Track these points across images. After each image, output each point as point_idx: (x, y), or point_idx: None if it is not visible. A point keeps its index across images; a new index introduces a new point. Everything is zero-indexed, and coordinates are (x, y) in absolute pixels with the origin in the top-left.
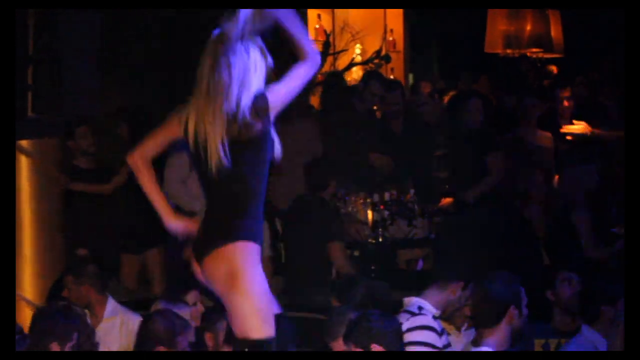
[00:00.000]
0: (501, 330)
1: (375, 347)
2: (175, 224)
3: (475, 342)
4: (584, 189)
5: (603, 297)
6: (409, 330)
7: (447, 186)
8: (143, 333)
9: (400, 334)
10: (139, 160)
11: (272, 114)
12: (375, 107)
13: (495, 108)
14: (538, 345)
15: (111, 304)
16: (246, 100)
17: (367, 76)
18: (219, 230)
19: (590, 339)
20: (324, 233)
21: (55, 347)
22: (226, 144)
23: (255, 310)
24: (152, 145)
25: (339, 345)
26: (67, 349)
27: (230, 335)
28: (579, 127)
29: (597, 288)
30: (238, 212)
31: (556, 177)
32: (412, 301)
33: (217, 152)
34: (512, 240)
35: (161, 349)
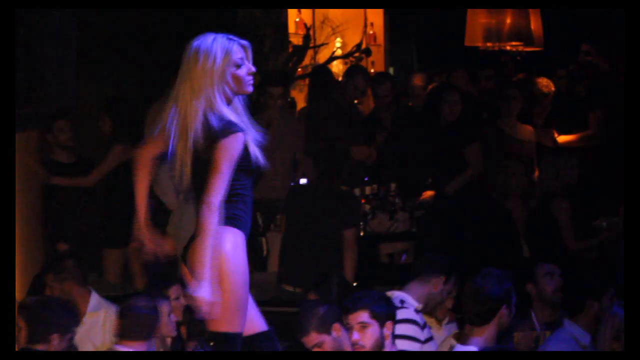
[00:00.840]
0: (490, 329)
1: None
2: (144, 237)
3: (461, 339)
4: (564, 180)
5: (587, 291)
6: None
7: (429, 179)
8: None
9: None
10: (144, 158)
11: None
12: (356, 101)
13: (475, 100)
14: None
15: (95, 299)
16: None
17: (352, 70)
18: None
19: (572, 333)
20: (340, 221)
21: (55, 338)
22: (188, 163)
23: (234, 303)
24: (156, 146)
25: (310, 340)
26: (65, 341)
27: (194, 327)
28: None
29: (581, 281)
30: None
31: (537, 170)
32: (394, 295)
33: (182, 168)
34: (492, 233)
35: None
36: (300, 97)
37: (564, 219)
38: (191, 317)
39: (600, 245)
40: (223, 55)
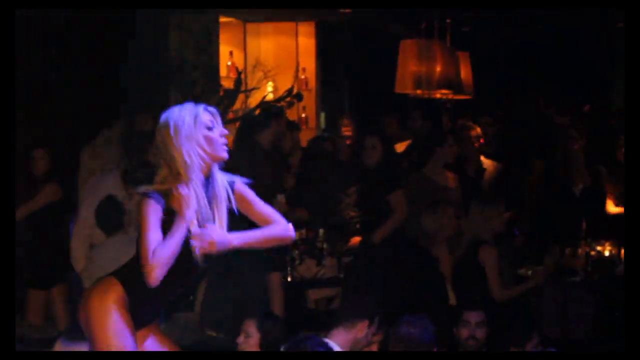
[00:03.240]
0: None
1: None
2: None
3: None
4: (492, 228)
5: (512, 339)
6: None
7: (357, 225)
8: None
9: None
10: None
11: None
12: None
13: (398, 151)
14: None
15: None
16: None
17: (272, 113)
18: None
19: None
20: (266, 265)
21: None
22: None
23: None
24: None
25: None
26: None
27: None
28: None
29: (505, 329)
30: None
31: (462, 216)
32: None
33: None
34: (418, 279)
35: None
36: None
37: (490, 267)
38: None
39: (525, 293)
40: (193, 118)
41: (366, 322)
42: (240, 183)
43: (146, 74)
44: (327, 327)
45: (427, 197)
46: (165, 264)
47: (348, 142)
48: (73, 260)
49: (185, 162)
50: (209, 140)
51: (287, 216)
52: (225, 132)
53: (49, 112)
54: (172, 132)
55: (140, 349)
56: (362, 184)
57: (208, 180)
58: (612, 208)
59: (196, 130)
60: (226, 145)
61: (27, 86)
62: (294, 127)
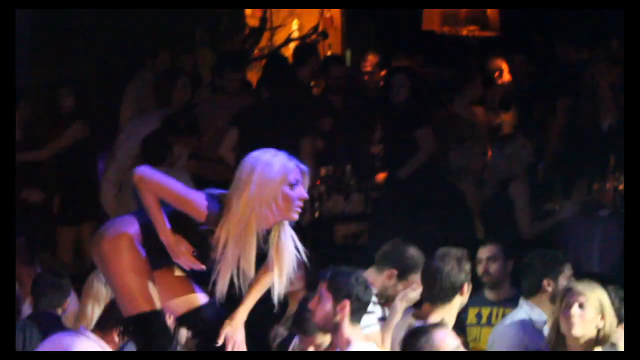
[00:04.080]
0: (450, 308)
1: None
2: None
3: (420, 316)
4: (521, 163)
5: (543, 272)
6: None
7: (380, 162)
8: None
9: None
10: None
11: None
12: (313, 83)
13: (428, 84)
14: (472, 313)
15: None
16: None
17: (305, 52)
18: None
19: (529, 313)
20: None
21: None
22: None
23: (120, 287)
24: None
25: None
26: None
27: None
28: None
29: (536, 262)
30: None
31: (489, 151)
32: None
33: None
34: (446, 215)
35: None
36: (256, 78)
37: (521, 202)
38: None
39: (554, 227)
40: (281, 171)
41: (394, 272)
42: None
43: (171, 12)
44: (356, 262)
45: (455, 133)
46: None
47: (375, 78)
48: (103, 201)
49: (250, 208)
50: (285, 198)
51: (320, 157)
52: (305, 196)
53: (73, 50)
54: (255, 175)
55: (159, 289)
56: (389, 121)
57: (268, 233)
58: None
59: (278, 186)
60: (300, 207)
61: (52, 27)
62: (336, 60)
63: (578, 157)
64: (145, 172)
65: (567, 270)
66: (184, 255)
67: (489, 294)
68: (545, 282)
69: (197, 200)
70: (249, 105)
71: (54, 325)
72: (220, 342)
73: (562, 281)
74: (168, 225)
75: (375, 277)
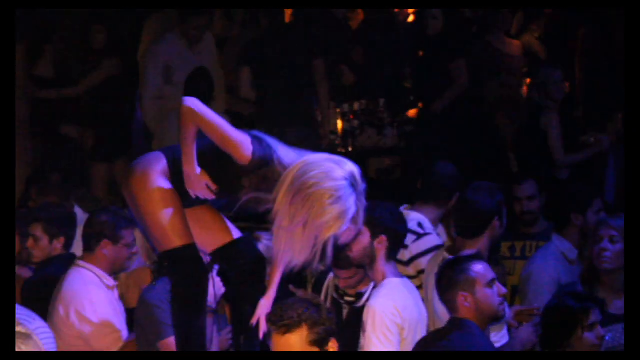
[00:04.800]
0: (483, 241)
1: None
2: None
3: (453, 250)
4: (553, 94)
5: (573, 205)
6: (423, 253)
7: (411, 97)
8: (87, 226)
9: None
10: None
11: None
12: (349, 15)
13: (463, 17)
14: (505, 247)
15: (78, 214)
16: None
17: None
18: None
19: (560, 247)
20: None
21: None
22: None
23: (152, 223)
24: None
25: None
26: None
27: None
28: None
29: (566, 195)
30: None
31: (524, 83)
32: (410, 216)
33: None
34: (480, 146)
35: (106, 242)
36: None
37: (553, 132)
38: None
39: (587, 159)
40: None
41: (452, 202)
42: None
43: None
44: (390, 196)
45: (491, 65)
46: None
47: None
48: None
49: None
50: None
51: (353, 91)
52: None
53: None
54: (311, 188)
55: (192, 226)
56: (423, 53)
57: None
58: None
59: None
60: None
61: None
62: None
63: (613, 90)
64: (195, 103)
65: (596, 205)
66: (200, 186)
67: (522, 228)
68: (573, 216)
69: (242, 142)
70: (253, 40)
71: None
72: (254, 321)
73: (591, 216)
74: (195, 161)
75: (436, 213)
